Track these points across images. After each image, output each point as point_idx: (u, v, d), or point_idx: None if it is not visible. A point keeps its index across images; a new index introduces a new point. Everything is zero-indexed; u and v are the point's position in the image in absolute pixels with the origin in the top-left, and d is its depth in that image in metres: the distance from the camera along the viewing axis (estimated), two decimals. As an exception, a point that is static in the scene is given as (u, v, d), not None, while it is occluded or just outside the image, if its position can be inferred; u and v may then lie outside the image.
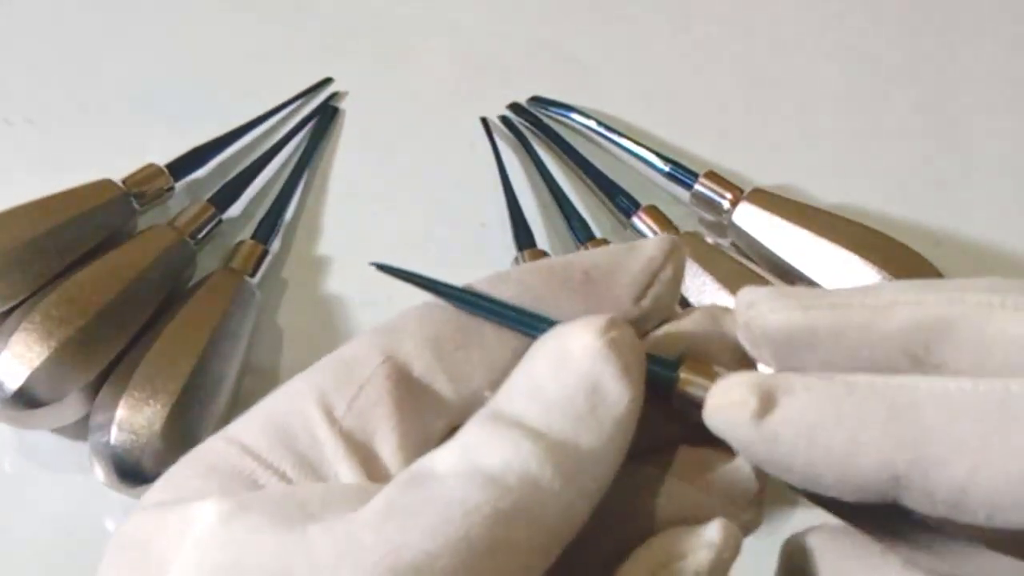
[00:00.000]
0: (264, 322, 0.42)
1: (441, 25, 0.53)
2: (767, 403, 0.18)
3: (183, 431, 0.35)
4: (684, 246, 0.22)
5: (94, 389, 0.37)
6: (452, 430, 0.20)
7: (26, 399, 0.35)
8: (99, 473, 0.35)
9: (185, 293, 0.40)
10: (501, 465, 0.18)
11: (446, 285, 0.22)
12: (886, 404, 0.18)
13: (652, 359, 0.20)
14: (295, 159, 0.47)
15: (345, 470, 0.20)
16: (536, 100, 0.50)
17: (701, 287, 0.40)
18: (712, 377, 0.20)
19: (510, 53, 0.53)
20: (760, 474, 0.20)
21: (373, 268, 0.23)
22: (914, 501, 0.18)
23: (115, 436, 0.34)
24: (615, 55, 0.53)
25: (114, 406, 0.35)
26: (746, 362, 0.21)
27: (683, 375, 0.20)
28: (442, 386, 0.21)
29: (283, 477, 0.20)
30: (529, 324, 0.21)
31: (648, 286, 0.21)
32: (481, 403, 0.20)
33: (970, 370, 0.18)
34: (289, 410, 0.20)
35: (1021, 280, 0.19)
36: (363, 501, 0.18)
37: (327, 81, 0.51)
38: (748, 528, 0.21)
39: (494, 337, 0.21)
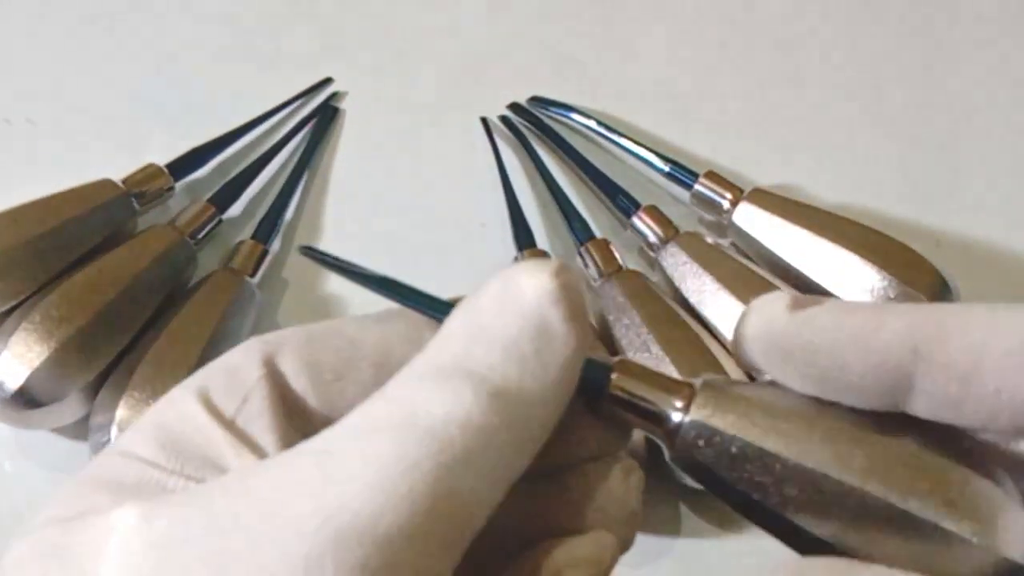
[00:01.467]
0: (264, 322, 0.42)
1: (441, 25, 0.53)
2: (800, 304, 0.20)
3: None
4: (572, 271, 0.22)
5: (94, 389, 0.37)
6: None
7: (26, 399, 0.35)
8: (99, 473, 0.35)
9: (185, 293, 0.40)
10: (443, 416, 0.17)
11: (363, 271, 0.22)
12: (905, 308, 0.19)
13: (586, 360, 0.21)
14: (295, 159, 0.47)
15: (249, 463, 0.20)
16: (536, 100, 0.50)
17: (701, 287, 0.40)
18: (643, 378, 0.21)
19: (510, 53, 0.53)
20: (635, 494, 0.21)
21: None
22: (930, 378, 0.19)
23: (115, 436, 0.34)
24: (615, 55, 0.53)
25: (114, 406, 0.35)
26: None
27: (616, 374, 0.21)
28: (315, 410, 0.21)
29: (190, 479, 0.19)
30: (439, 310, 0.21)
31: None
32: None
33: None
34: (177, 417, 0.20)
35: None
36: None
37: (327, 81, 0.51)
38: (623, 548, 0.21)
39: (371, 373, 0.21)
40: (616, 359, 0.22)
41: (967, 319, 0.18)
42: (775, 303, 0.20)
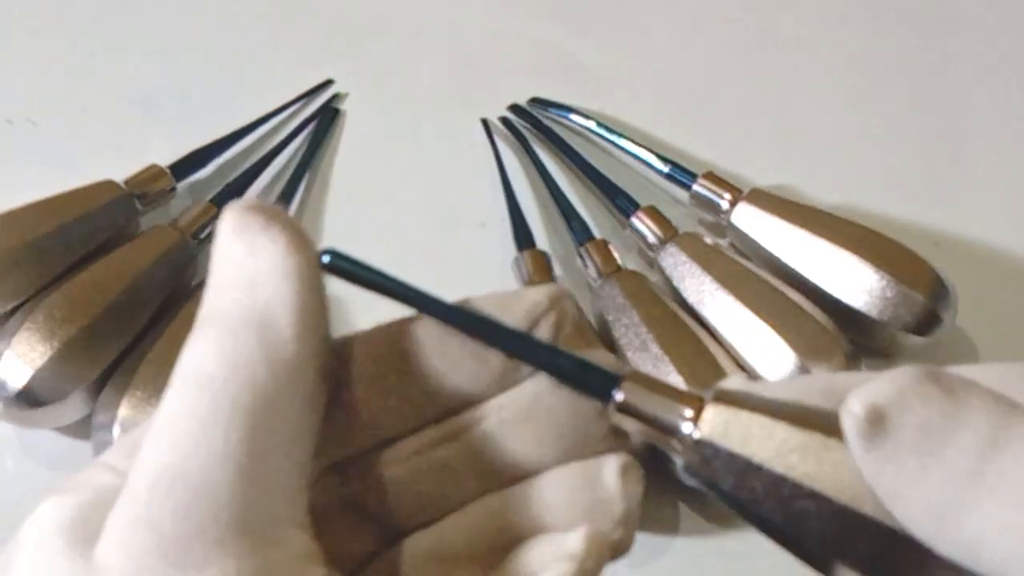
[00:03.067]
0: (265, 322, 0.42)
1: (441, 26, 0.53)
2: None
3: (185, 430, 0.35)
4: (571, 297, 0.23)
5: (97, 388, 0.37)
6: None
7: (29, 398, 0.35)
8: (101, 472, 0.35)
9: (187, 293, 0.40)
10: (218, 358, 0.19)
11: (394, 283, 0.24)
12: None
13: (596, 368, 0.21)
14: (296, 160, 0.47)
15: None
16: (536, 101, 0.50)
17: (700, 287, 0.40)
18: (654, 390, 0.21)
19: (510, 53, 0.53)
20: (632, 490, 0.21)
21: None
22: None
23: (117, 435, 0.35)
24: (615, 55, 0.53)
25: (116, 405, 0.35)
26: None
27: (627, 383, 0.22)
28: None
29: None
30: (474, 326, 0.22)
31: (529, 329, 0.22)
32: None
33: None
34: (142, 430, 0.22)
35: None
36: None
37: (328, 83, 0.51)
38: (619, 548, 0.21)
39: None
40: (628, 370, 0.22)
41: None
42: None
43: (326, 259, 0.23)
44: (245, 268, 0.20)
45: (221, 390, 0.19)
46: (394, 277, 0.24)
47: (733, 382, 0.21)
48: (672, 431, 0.21)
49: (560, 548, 0.20)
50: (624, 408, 0.21)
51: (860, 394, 0.18)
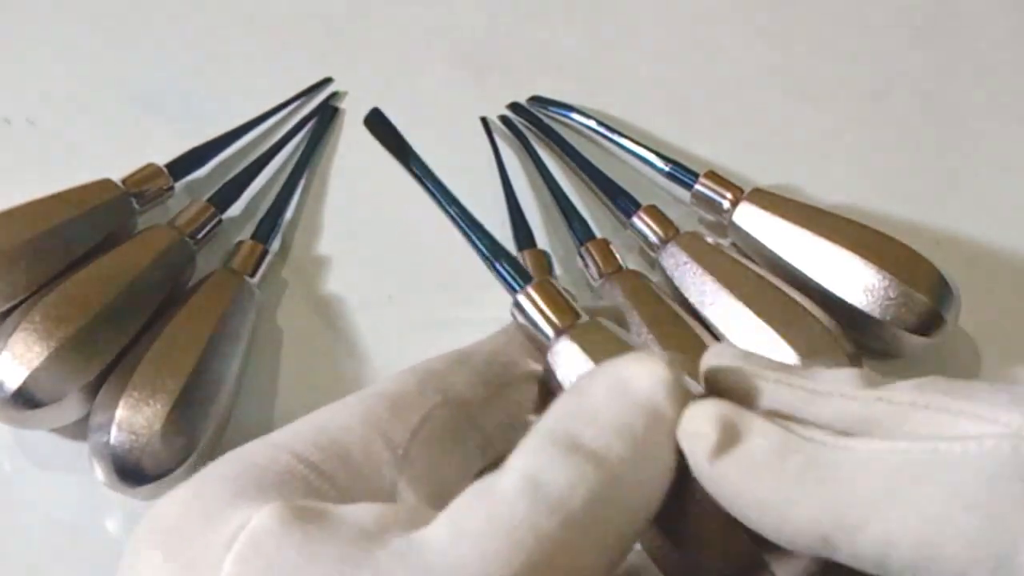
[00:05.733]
0: (264, 322, 0.42)
1: (441, 25, 0.53)
2: (724, 441, 0.19)
3: (183, 431, 0.35)
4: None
5: (94, 389, 0.36)
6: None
7: (25, 399, 0.35)
8: (99, 473, 0.34)
9: (185, 293, 0.40)
10: (566, 486, 0.18)
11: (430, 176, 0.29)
12: (825, 463, 0.18)
13: None
14: (295, 159, 0.47)
15: (404, 487, 0.20)
16: (536, 100, 0.50)
17: (701, 287, 0.40)
18: (548, 301, 0.27)
19: (510, 53, 0.53)
20: None
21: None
22: (845, 560, 0.18)
23: (115, 436, 0.34)
24: (615, 55, 0.53)
25: (114, 406, 0.35)
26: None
27: (530, 288, 0.27)
28: (487, 422, 0.23)
29: (335, 486, 0.20)
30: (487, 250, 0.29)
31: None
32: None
33: None
34: (342, 427, 0.21)
35: (963, 381, 0.19)
36: (419, 524, 0.18)
37: (327, 81, 0.51)
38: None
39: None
40: (536, 281, 0.27)
41: (876, 509, 0.18)
42: (700, 441, 0.19)
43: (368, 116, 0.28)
44: (636, 429, 0.20)
45: (572, 524, 0.18)
46: (420, 159, 0.29)
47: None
48: (543, 347, 0.25)
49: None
50: (515, 306, 0.27)
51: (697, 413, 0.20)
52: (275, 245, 0.44)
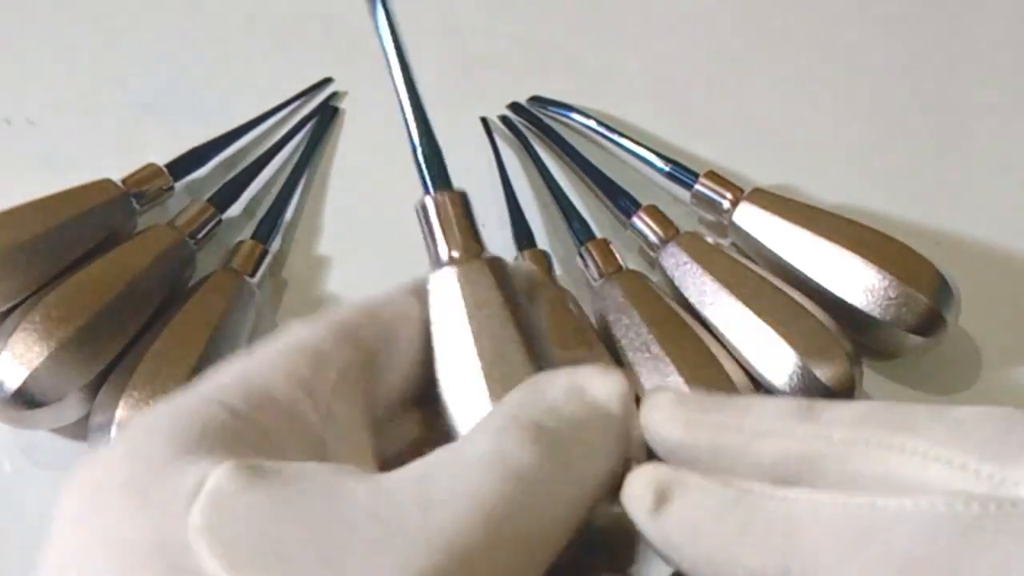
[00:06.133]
0: (264, 322, 0.42)
1: (441, 25, 0.53)
2: (662, 499, 0.20)
3: (183, 431, 0.35)
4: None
5: (94, 389, 0.36)
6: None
7: (26, 399, 0.35)
8: (99, 473, 0.34)
9: (185, 293, 0.40)
10: (529, 461, 0.20)
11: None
12: (764, 516, 0.19)
13: None
14: (295, 159, 0.47)
15: (332, 444, 0.21)
16: (536, 100, 0.50)
17: (701, 287, 0.40)
18: (456, 215, 0.26)
19: (510, 53, 0.53)
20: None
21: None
22: None
23: (114, 436, 0.34)
24: (615, 55, 0.53)
25: (114, 406, 0.35)
26: None
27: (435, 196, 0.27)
28: (393, 376, 0.23)
29: (271, 443, 0.20)
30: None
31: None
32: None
33: None
34: (270, 383, 0.21)
35: (903, 409, 0.19)
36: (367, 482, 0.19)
37: (327, 81, 0.51)
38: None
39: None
40: (437, 192, 0.27)
41: (817, 564, 0.18)
42: (638, 503, 0.20)
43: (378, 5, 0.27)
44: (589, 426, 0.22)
45: (533, 493, 0.20)
46: (412, 80, 0.29)
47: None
48: (439, 264, 0.25)
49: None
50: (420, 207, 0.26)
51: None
52: (275, 245, 0.44)
